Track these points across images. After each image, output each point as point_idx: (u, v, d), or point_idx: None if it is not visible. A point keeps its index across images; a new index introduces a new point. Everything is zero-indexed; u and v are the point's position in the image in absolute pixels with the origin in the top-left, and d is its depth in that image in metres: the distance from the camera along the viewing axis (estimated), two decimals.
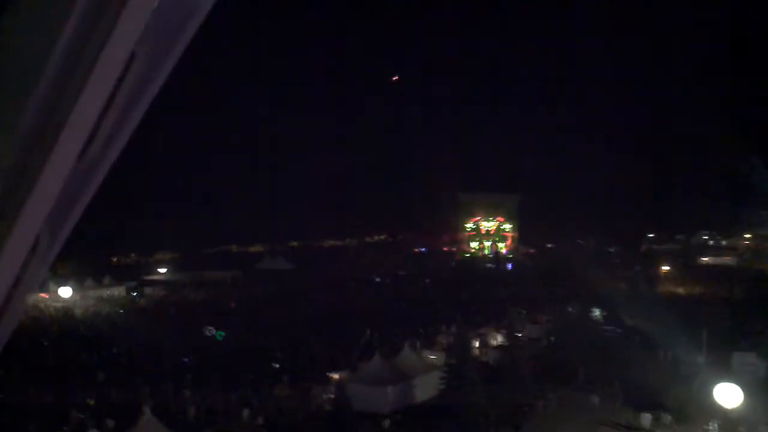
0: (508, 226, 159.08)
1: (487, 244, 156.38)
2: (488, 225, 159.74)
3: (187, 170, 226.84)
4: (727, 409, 33.00)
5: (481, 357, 45.87)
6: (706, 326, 44.61)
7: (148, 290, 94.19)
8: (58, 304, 79.23)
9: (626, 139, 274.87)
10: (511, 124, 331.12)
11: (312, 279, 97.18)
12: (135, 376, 42.06)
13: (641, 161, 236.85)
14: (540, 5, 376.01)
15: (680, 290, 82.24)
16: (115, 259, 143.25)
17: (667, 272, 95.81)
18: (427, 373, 39.30)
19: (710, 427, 32.23)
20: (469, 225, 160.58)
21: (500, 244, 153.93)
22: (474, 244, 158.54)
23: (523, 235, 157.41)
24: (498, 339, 51.60)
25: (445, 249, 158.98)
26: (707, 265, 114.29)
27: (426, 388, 37.80)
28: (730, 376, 36.24)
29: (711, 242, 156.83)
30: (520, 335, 49.22)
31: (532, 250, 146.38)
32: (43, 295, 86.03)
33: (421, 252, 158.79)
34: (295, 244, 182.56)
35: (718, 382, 33.96)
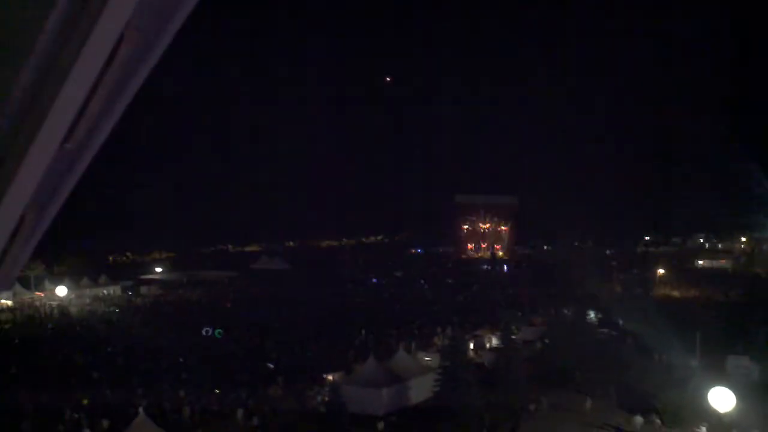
0: (504, 228, 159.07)
1: (484, 245, 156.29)
2: (485, 226, 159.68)
3: (185, 169, 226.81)
4: (721, 413, 33.04)
5: (476, 359, 45.86)
6: (700, 329, 44.66)
7: (144, 289, 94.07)
8: (54, 303, 79.18)
9: (624, 142, 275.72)
10: (509, 125, 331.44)
11: (308, 279, 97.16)
12: (130, 375, 42.06)
13: (639, 164, 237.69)
14: (540, 5, 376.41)
15: (676, 293, 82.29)
16: (111, 258, 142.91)
17: (663, 275, 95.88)
18: (421, 375, 39.23)
19: (699, 431, 32.29)
20: (466, 226, 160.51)
21: (497, 246, 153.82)
22: (471, 246, 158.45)
23: (519, 237, 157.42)
24: (493, 341, 51.58)
25: (441, 250, 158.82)
26: (703, 268, 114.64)
27: (421, 390, 37.76)
28: (724, 379, 36.30)
29: (707, 245, 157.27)
30: (515, 337, 49.18)
31: (528, 252, 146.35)
32: (38, 293, 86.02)
33: (417, 253, 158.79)
34: (291, 244, 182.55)
35: (712, 386, 33.99)
